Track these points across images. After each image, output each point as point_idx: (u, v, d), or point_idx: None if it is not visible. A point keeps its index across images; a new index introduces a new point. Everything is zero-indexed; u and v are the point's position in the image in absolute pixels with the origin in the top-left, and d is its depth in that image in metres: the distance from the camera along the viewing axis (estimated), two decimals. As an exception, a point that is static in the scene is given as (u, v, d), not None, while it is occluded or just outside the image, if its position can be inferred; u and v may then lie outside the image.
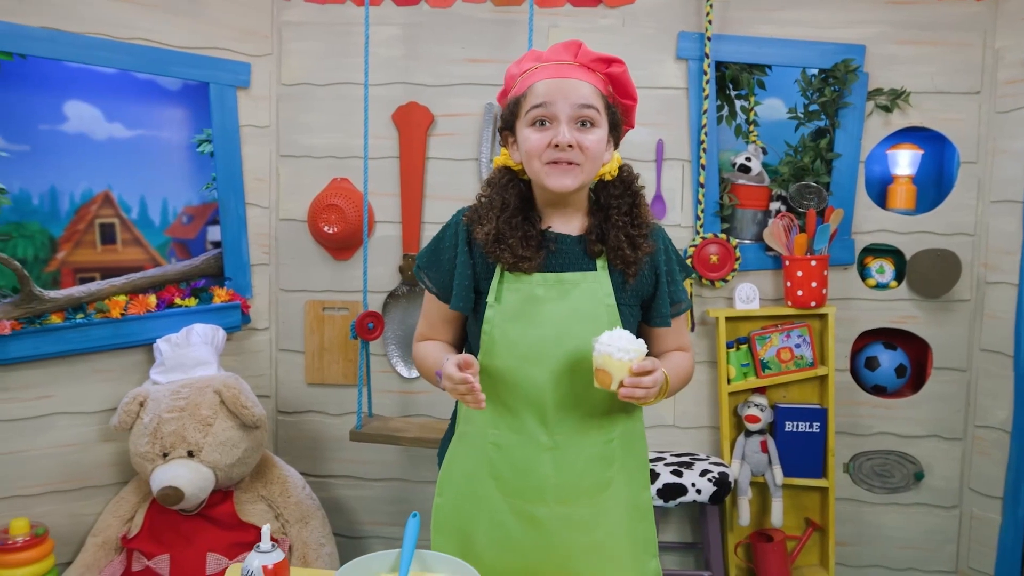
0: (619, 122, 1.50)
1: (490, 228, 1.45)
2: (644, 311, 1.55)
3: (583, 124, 1.42)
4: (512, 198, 1.48)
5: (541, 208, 1.52)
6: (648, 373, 1.36)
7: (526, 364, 1.46)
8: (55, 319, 2.72)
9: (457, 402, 1.59)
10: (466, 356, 1.39)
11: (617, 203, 1.50)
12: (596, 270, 1.49)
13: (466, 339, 1.62)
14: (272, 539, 1.27)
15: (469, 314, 1.52)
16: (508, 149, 1.52)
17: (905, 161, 3.04)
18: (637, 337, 1.41)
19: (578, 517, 1.49)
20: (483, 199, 1.51)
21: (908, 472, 3.06)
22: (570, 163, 1.43)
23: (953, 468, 3.05)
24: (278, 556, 1.24)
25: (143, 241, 3.05)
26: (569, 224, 1.52)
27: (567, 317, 1.46)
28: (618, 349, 1.35)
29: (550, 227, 1.50)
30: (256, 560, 1.23)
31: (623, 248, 1.47)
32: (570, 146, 1.40)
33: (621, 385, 1.36)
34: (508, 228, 1.45)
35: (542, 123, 1.42)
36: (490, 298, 1.48)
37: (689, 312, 2.97)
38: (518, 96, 1.47)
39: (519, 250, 1.44)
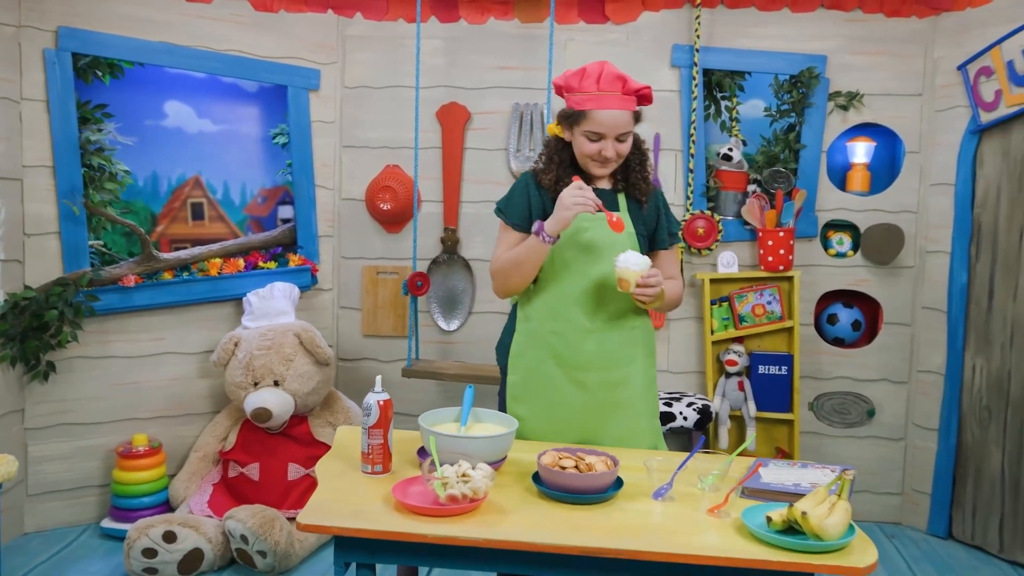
0: (641, 117, 2.16)
1: (552, 176, 2.14)
2: (650, 241, 2.22)
3: (619, 138, 2.10)
4: (566, 157, 2.16)
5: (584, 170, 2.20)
6: (652, 277, 2.02)
7: (575, 275, 2.12)
8: (167, 276, 3.36)
9: (515, 307, 2.23)
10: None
11: (632, 157, 2.18)
12: (621, 211, 2.16)
13: None
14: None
15: None
16: (562, 128, 2.16)
17: (861, 151, 3.64)
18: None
19: (614, 380, 2.14)
20: (544, 156, 2.19)
21: (862, 410, 3.65)
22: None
23: (899, 406, 3.63)
24: (386, 396, 1.87)
25: (226, 218, 3.67)
26: (603, 182, 2.19)
27: (603, 241, 2.11)
28: (632, 263, 2.00)
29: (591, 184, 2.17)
30: (372, 398, 1.86)
31: (640, 183, 2.18)
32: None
33: (637, 286, 2.00)
34: (565, 175, 2.13)
35: (595, 138, 2.09)
36: None
37: (681, 269, 3.58)
38: (579, 113, 2.08)
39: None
